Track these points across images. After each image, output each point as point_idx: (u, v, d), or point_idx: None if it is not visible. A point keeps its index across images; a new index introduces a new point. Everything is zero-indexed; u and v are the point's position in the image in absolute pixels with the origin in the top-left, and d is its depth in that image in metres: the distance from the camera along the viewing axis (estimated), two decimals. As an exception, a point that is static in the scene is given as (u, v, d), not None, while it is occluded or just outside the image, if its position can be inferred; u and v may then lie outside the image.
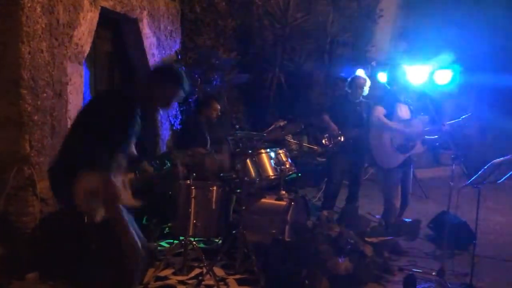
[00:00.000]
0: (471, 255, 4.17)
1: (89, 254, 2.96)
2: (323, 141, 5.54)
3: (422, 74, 7.10)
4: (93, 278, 2.97)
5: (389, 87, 5.29)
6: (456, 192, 4.19)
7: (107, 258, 2.81)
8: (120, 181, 2.78)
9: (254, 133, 4.82)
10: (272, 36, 9.23)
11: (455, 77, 7.25)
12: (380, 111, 5.03)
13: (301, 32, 9.42)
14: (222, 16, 8.14)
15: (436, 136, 5.00)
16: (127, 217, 2.84)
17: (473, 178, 4.03)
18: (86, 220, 2.64)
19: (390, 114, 5.01)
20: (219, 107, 5.55)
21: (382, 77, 8.46)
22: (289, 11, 9.06)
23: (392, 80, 5.28)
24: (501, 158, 3.92)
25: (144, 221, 4.84)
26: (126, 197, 2.83)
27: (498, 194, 7.35)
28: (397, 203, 5.05)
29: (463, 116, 4.74)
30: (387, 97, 5.20)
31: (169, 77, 2.95)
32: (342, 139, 5.37)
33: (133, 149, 2.93)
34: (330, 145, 5.45)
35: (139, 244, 2.86)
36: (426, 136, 5.00)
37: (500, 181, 4.15)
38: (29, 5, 3.98)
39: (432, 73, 7.57)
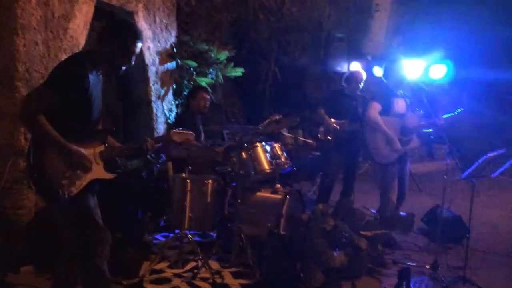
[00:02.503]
0: (465, 249, 4.21)
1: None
2: (319, 135, 5.54)
3: (417, 69, 7.15)
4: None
5: (385, 81, 5.29)
6: (450, 186, 4.22)
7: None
8: (91, 153, 2.82)
9: (250, 126, 4.83)
10: (267, 30, 9.21)
11: (449, 72, 7.28)
12: (376, 107, 5.04)
13: (297, 26, 9.41)
14: (218, 9, 8.12)
15: (430, 130, 5.02)
16: (92, 201, 2.87)
17: (467, 172, 4.05)
18: (61, 195, 2.67)
19: (386, 109, 5.03)
20: (207, 97, 5.47)
21: (377, 71, 8.48)
22: (284, 5, 9.04)
23: (388, 74, 5.28)
24: (495, 152, 3.95)
25: (139, 214, 4.85)
26: (98, 170, 2.85)
27: (491, 188, 7.41)
28: (394, 198, 5.08)
29: (458, 110, 4.76)
30: (384, 91, 5.21)
31: (129, 32, 2.84)
32: (339, 129, 5.37)
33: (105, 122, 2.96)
34: (326, 139, 5.45)
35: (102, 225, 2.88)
36: (423, 130, 5.03)
37: (494, 175, 4.19)
38: (23, -3, 3.96)
39: (427, 68, 7.62)
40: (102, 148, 2.89)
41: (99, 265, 2.86)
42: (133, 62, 2.89)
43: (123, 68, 2.90)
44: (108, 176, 2.90)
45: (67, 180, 2.71)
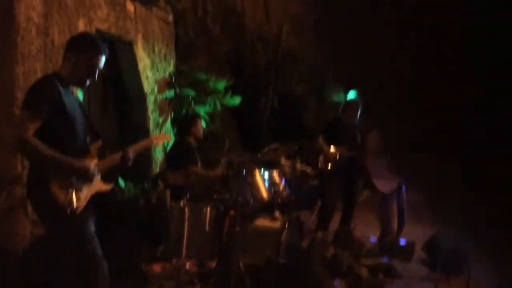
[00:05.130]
0: (466, 278, 4.15)
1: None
2: (319, 164, 5.54)
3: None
4: None
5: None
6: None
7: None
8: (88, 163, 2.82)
9: (248, 154, 4.83)
10: (265, 60, 9.32)
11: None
12: (375, 137, 5.06)
13: (294, 56, 9.53)
14: (216, 40, 8.23)
15: None
16: (92, 229, 2.86)
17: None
18: (68, 212, 2.66)
19: None
20: (202, 124, 5.49)
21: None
22: (282, 36, 9.17)
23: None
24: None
25: (135, 244, 4.78)
26: (97, 182, 2.89)
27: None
28: (395, 227, 5.03)
29: None
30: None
31: (88, 45, 2.87)
32: (338, 157, 5.37)
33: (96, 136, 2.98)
34: (327, 167, 5.45)
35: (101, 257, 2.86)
36: None
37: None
38: (24, 26, 4.00)
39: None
40: (95, 161, 2.90)
41: None
42: (96, 76, 2.91)
43: (88, 82, 2.92)
44: (106, 188, 2.96)
45: (71, 196, 2.70)
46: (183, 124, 5.57)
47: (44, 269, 3.69)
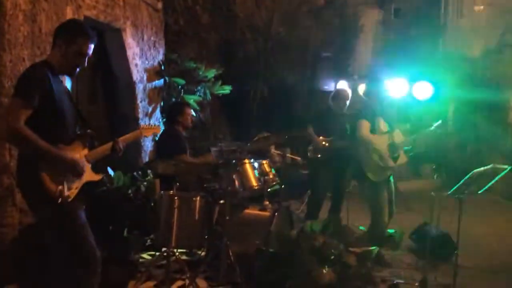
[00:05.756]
0: (453, 265, 4.20)
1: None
2: (308, 153, 5.55)
3: (401, 88, 7.25)
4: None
5: (368, 99, 5.34)
6: (438, 203, 4.23)
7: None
8: (77, 156, 2.82)
9: (238, 143, 4.82)
10: (255, 49, 9.29)
11: (435, 90, 7.40)
12: (365, 126, 5.06)
13: (284, 46, 9.51)
14: (205, 28, 8.17)
15: (410, 147, 5.07)
16: (84, 217, 2.86)
17: (454, 188, 4.07)
18: (60, 201, 2.66)
19: (373, 127, 5.06)
20: (192, 112, 5.43)
21: (362, 90, 8.58)
22: (272, 25, 9.14)
23: (370, 92, 5.33)
24: (482, 168, 3.97)
25: (125, 233, 4.78)
26: (88, 172, 2.88)
27: (478, 206, 7.44)
28: (386, 218, 5.06)
29: (435, 124, 4.80)
30: (370, 110, 5.24)
31: (77, 32, 2.84)
32: (327, 147, 5.39)
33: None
34: (317, 157, 5.46)
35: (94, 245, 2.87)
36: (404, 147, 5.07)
37: (481, 192, 4.20)
38: (11, 12, 3.93)
39: (411, 87, 7.73)
40: (86, 151, 2.90)
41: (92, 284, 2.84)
42: (85, 64, 2.90)
43: (77, 69, 2.90)
44: (97, 177, 2.96)
45: (63, 186, 2.70)
46: (171, 112, 5.54)
47: (35, 258, 3.68)
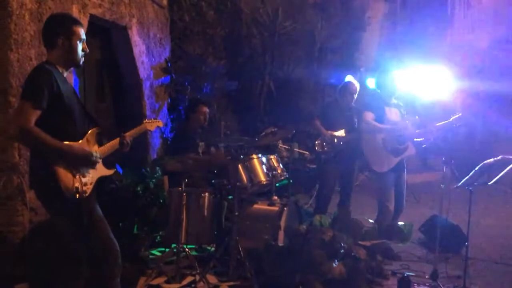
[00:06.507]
0: (464, 258, 4.18)
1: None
2: (316, 147, 5.53)
3: (410, 79, 7.22)
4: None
5: (378, 92, 5.32)
6: (447, 195, 4.21)
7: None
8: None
9: (246, 138, 4.82)
10: (261, 44, 9.26)
11: (443, 82, 7.35)
12: (369, 116, 5.05)
13: (290, 40, 9.47)
14: (211, 24, 8.16)
15: (422, 139, 5.03)
16: (98, 211, 2.91)
17: (464, 179, 4.04)
18: (77, 196, 2.69)
19: (379, 118, 5.04)
20: (207, 111, 5.37)
21: (370, 83, 8.55)
22: (277, 19, 9.10)
23: (381, 85, 5.30)
24: (492, 159, 3.95)
25: (135, 230, 4.80)
26: (100, 167, 2.92)
27: (488, 197, 7.41)
28: (391, 207, 5.05)
29: (453, 117, 4.76)
30: (376, 101, 5.22)
31: (70, 23, 2.86)
32: (336, 141, 5.37)
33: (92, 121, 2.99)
34: (324, 150, 5.44)
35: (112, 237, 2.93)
36: (414, 139, 5.04)
37: (491, 183, 4.18)
38: (17, 12, 3.95)
39: (420, 78, 7.68)
40: (96, 148, 2.92)
41: (113, 282, 2.91)
42: (87, 50, 2.93)
43: (83, 59, 2.93)
44: (110, 172, 3.01)
45: (79, 183, 2.73)
46: (186, 109, 5.56)
47: (45, 257, 3.71)
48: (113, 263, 2.89)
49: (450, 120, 4.73)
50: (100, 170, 2.91)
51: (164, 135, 6.80)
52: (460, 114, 4.73)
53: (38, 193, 2.84)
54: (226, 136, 6.43)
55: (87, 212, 2.82)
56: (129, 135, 3.14)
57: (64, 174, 2.68)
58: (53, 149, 2.65)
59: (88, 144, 2.88)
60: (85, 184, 2.76)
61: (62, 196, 2.67)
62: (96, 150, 2.89)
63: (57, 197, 2.70)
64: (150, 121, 3.54)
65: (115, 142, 3.05)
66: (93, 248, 2.85)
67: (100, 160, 2.91)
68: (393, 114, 5.08)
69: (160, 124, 3.64)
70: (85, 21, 4.90)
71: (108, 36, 6.01)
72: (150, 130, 3.59)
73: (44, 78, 2.70)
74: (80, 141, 2.83)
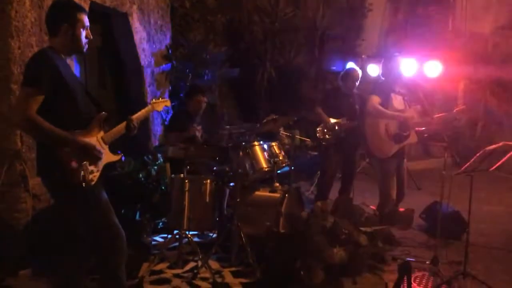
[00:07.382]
0: (465, 243, 4.20)
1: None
2: (317, 134, 5.53)
3: (412, 66, 7.21)
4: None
5: (383, 78, 5.31)
6: (449, 182, 4.21)
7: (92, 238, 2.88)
8: (95, 140, 2.83)
9: (247, 125, 4.82)
10: (262, 31, 9.21)
11: (444, 69, 7.33)
12: (375, 100, 5.03)
13: (291, 27, 9.42)
14: (212, 11, 8.11)
15: (423, 128, 5.03)
16: (104, 197, 2.89)
17: (465, 166, 4.05)
18: (84, 184, 2.68)
19: (385, 103, 5.02)
20: (204, 100, 5.35)
21: (372, 70, 8.52)
22: (278, 6, 9.05)
23: (386, 72, 5.28)
24: (493, 146, 3.95)
25: (137, 216, 4.83)
26: (106, 154, 2.90)
27: (488, 184, 7.42)
28: (393, 193, 5.07)
29: (457, 109, 4.76)
30: (382, 87, 5.20)
31: (74, 10, 2.83)
32: (337, 128, 5.37)
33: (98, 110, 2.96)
34: (326, 137, 5.44)
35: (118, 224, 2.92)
36: (416, 128, 5.04)
37: (492, 169, 4.18)
38: (18, -1, 3.94)
39: (422, 65, 7.66)
40: (102, 134, 2.90)
41: (118, 268, 2.91)
42: (91, 36, 2.91)
43: (86, 46, 2.91)
44: (115, 158, 2.98)
45: (86, 170, 2.72)
46: (185, 92, 5.59)
47: (48, 243, 3.74)
48: (119, 249, 2.89)
49: (453, 112, 4.73)
50: (107, 157, 2.90)
51: (166, 122, 6.80)
52: (464, 107, 4.73)
53: (44, 181, 2.84)
54: (227, 123, 6.44)
55: (95, 198, 2.81)
56: (136, 118, 3.10)
57: (70, 162, 2.67)
58: (56, 137, 2.64)
59: (95, 130, 2.86)
60: (92, 172, 2.75)
61: (68, 183, 2.67)
62: (102, 136, 2.88)
63: (64, 185, 2.70)
64: (157, 101, 3.45)
65: (121, 126, 3.02)
66: (99, 235, 2.85)
67: (106, 147, 2.90)
68: (398, 102, 5.07)
69: (168, 103, 3.54)
70: (85, 8, 4.88)
71: (109, 23, 5.98)
72: (158, 111, 3.51)
73: (45, 63, 2.68)
74: (87, 128, 2.82)
